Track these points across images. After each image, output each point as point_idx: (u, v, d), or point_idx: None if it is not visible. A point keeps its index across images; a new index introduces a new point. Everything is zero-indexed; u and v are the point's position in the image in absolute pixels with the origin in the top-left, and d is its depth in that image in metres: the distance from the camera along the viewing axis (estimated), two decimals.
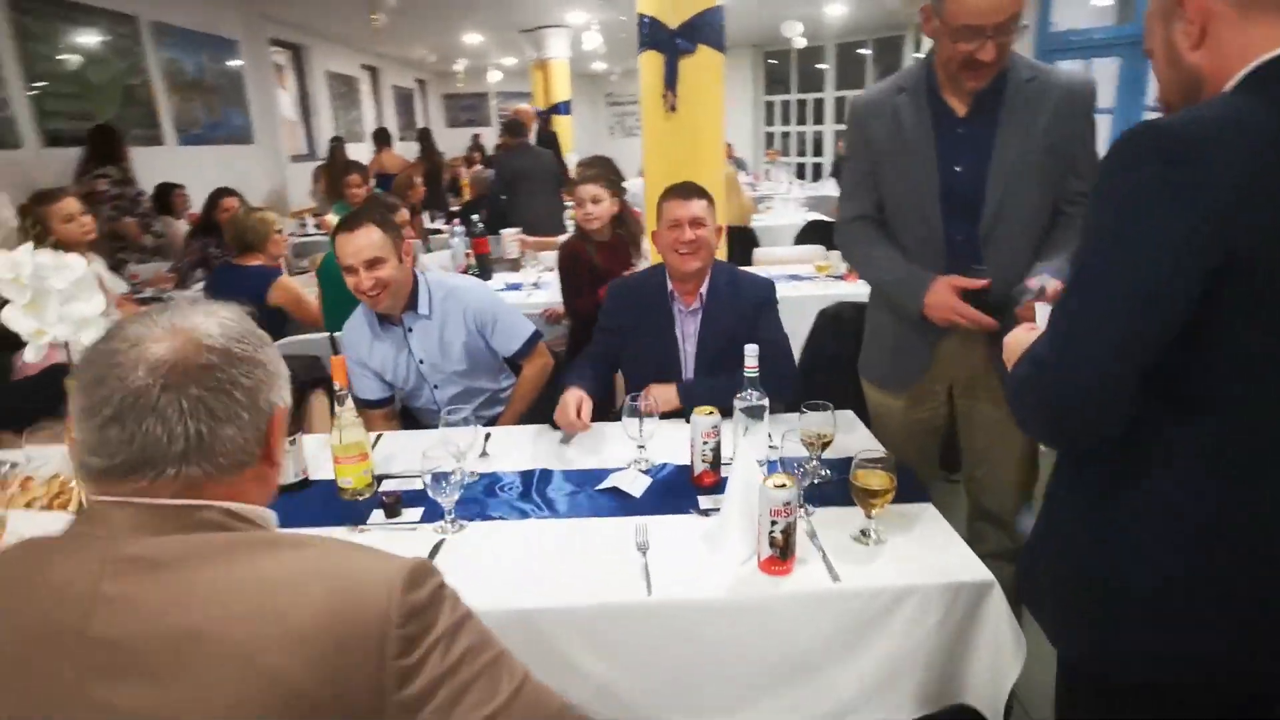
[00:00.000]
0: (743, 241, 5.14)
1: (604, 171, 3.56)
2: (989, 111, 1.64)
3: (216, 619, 0.66)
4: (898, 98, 1.73)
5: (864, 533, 1.39)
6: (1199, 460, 0.88)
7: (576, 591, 1.27)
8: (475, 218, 4.03)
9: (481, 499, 1.61)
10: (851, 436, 1.82)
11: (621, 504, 1.56)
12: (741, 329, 2.01)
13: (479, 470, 1.74)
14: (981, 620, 1.27)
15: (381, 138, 7.00)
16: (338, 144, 7.16)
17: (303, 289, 3.07)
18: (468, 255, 3.79)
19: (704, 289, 2.07)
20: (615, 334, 2.15)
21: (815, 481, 1.57)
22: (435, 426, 2.24)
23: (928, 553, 1.35)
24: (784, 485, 1.24)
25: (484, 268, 3.91)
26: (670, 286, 2.08)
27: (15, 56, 4.90)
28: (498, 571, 1.34)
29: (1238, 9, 0.86)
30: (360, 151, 7.52)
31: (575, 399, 1.87)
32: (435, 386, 2.20)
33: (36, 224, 2.67)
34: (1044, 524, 1.05)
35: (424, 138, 7.47)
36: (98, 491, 0.72)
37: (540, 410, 2.20)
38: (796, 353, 3.06)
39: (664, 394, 1.94)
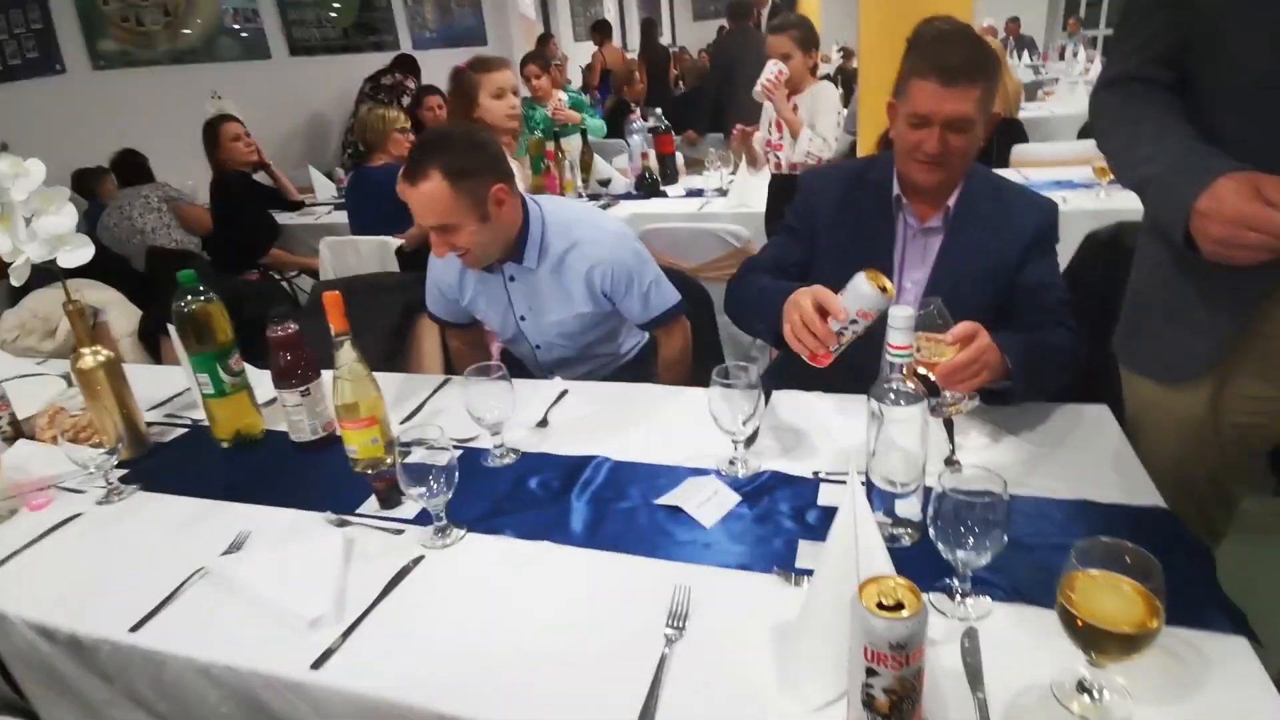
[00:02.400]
0: (1004, 137, 4.01)
1: (796, 23, 3.02)
2: None
3: None
4: None
5: (1082, 686, 0.73)
6: None
7: (549, 708, 0.79)
8: (659, 111, 3.49)
9: (504, 494, 1.17)
10: (1082, 455, 1.10)
11: (679, 534, 1.03)
12: (1000, 270, 1.33)
13: (525, 449, 1.30)
14: None
15: (601, 30, 6.59)
16: (542, 40, 6.89)
17: None
18: (644, 156, 3.28)
19: (952, 200, 1.36)
20: (802, 241, 1.47)
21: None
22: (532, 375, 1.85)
23: None
24: (899, 607, 0.63)
25: (665, 170, 3.39)
26: (897, 189, 1.39)
27: None
28: (457, 634, 0.90)
29: None
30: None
31: (811, 299, 1.10)
32: (537, 347, 1.73)
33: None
34: None
35: (646, 29, 6.92)
36: None
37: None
38: None
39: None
